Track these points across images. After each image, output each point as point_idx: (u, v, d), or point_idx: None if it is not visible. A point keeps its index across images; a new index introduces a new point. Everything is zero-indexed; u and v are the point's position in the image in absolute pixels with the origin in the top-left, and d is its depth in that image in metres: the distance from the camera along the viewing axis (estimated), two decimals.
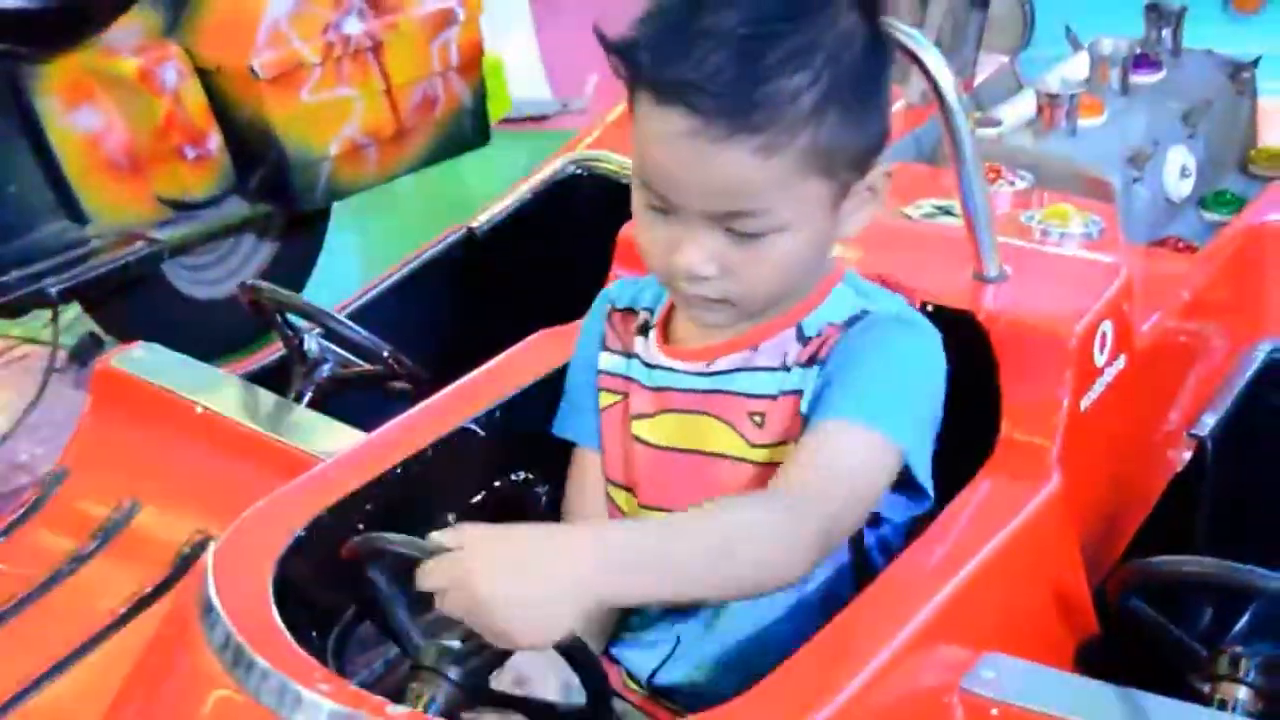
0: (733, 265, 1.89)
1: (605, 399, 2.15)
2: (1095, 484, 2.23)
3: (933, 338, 2.03)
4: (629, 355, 2.12)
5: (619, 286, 2.21)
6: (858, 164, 1.93)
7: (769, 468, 1.99)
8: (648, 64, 1.86)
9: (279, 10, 3.99)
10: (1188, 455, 2.49)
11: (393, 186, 4.38)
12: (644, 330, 2.12)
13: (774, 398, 2.01)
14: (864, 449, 1.91)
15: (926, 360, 2.01)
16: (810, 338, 2.01)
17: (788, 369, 2.01)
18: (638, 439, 2.10)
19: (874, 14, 1.94)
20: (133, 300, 4.02)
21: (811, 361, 1.99)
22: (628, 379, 2.12)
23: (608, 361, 2.15)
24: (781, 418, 2.01)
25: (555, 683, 1.88)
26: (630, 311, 2.15)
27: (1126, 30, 3.19)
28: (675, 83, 1.83)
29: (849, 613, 1.88)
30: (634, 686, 2.13)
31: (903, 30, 2.14)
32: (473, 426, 2.26)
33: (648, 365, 2.10)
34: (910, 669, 1.86)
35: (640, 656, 2.14)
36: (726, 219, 1.87)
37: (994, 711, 1.86)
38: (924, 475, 1.96)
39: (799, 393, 1.99)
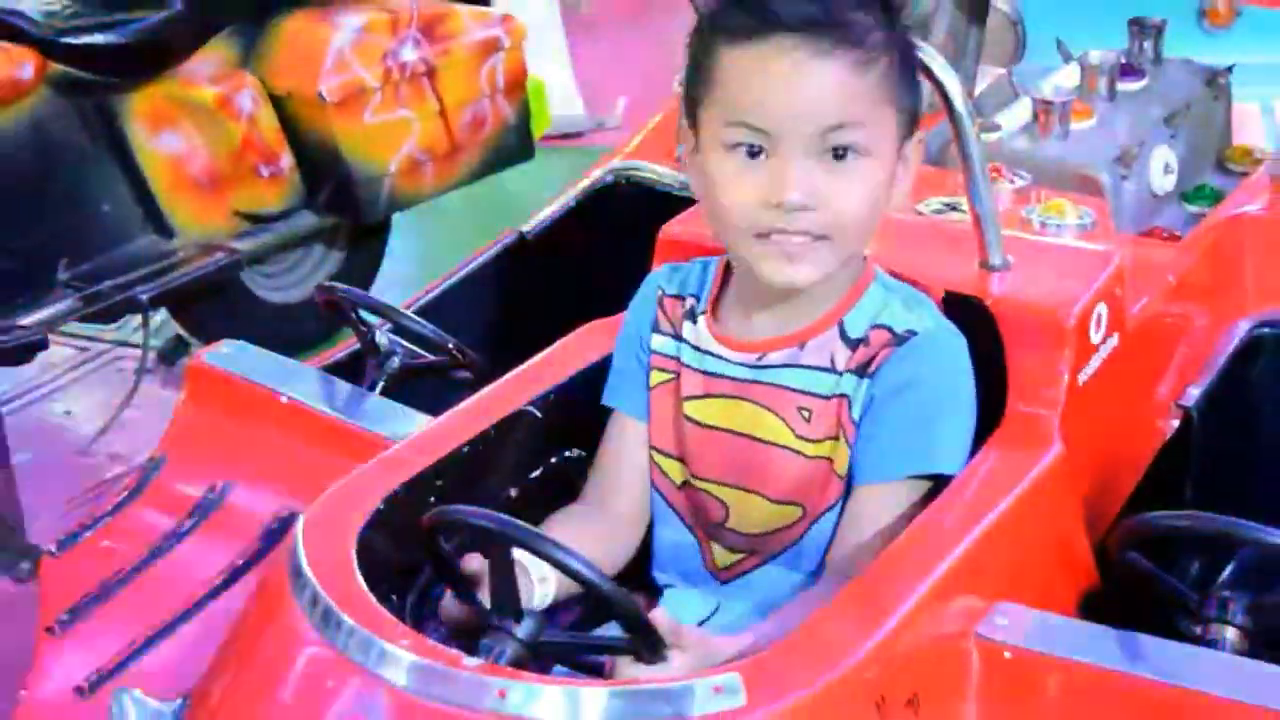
0: (828, 194, 1.89)
1: (656, 377, 2.15)
2: (1093, 450, 2.23)
3: (964, 350, 2.06)
4: (678, 339, 2.12)
5: (665, 273, 2.20)
6: (910, 122, 1.98)
7: (816, 461, 2.04)
8: (761, 10, 1.90)
9: (342, 40, 4.02)
10: (1176, 424, 2.50)
11: (448, 198, 4.38)
12: (692, 316, 2.12)
13: (824, 398, 2.03)
14: (906, 497, 2.00)
15: (966, 380, 2.06)
16: (856, 340, 2.02)
17: (838, 373, 2.02)
18: (688, 418, 2.11)
19: (893, 19, 1.98)
20: (215, 305, 4.04)
21: (862, 372, 2.01)
22: (679, 360, 2.12)
23: (659, 343, 2.15)
24: (829, 417, 2.02)
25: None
26: (678, 298, 2.15)
27: (1112, 43, 3.19)
28: (781, 12, 1.88)
29: (874, 569, 1.88)
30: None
31: (919, 44, 2.16)
32: (530, 409, 2.26)
33: (697, 349, 2.10)
34: (931, 617, 1.86)
35: (685, 613, 2.13)
36: (826, 136, 1.89)
37: (1007, 654, 1.88)
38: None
39: (847, 398, 2.01)
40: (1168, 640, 1.91)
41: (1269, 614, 2.02)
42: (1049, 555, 2.11)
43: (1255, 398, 2.64)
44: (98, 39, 3.77)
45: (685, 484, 2.15)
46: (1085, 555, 2.17)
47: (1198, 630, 2.02)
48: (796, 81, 1.88)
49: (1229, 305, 2.70)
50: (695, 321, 2.12)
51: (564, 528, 2.10)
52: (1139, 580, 2.10)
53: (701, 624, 2.12)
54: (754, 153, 1.90)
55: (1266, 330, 2.67)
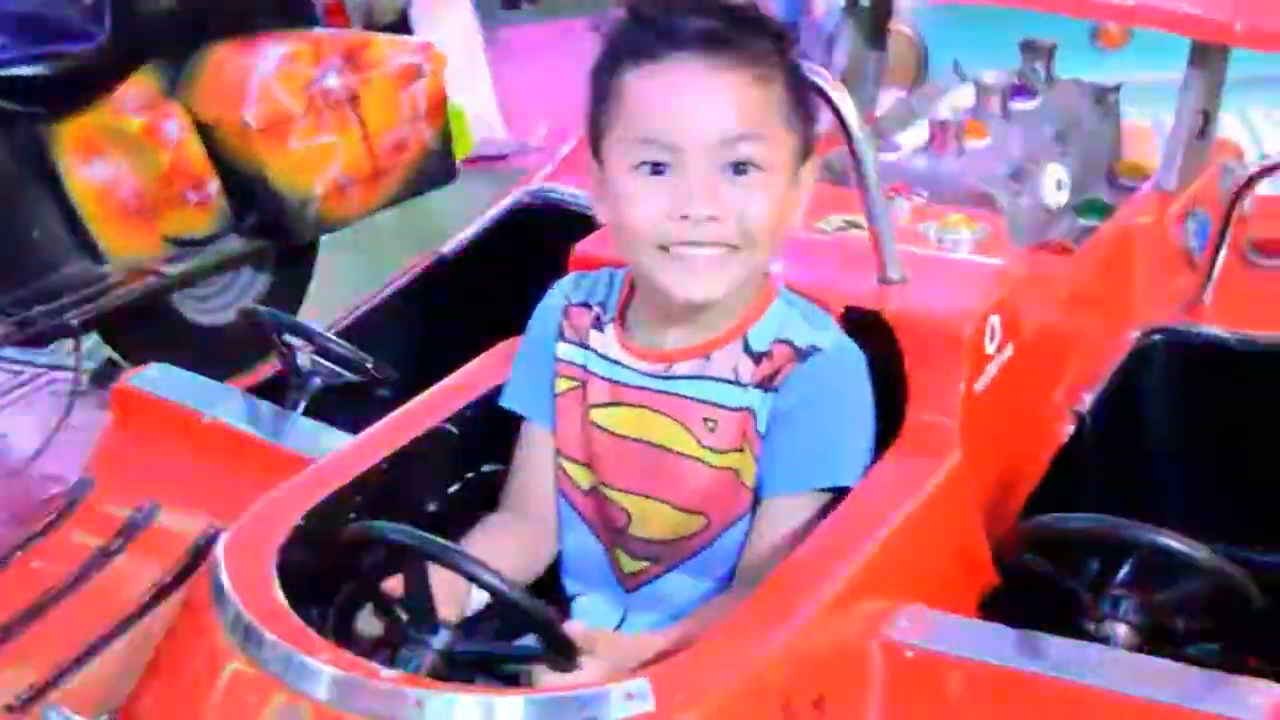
0: (733, 205, 1.89)
1: (562, 384, 2.14)
2: (991, 455, 2.24)
3: (863, 366, 2.08)
4: (584, 347, 2.12)
5: (571, 281, 2.20)
6: (805, 147, 2.00)
7: (722, 471, 2.04)
8: (661, 28, 1.92)
9: (266, 69, 4.02)
10: (1071, 429, 2.51)
11: (376, 219, 4.38)
12: (599, 324, 2.12)
13: (729, 409, 2.03)
14: (810, 507, 2.01)
15: (865, 398, 2.07)
16: (759, 353, 2.02)
17: (743, 385, 2.02)
18: (595, 425, 2.10)
19: (787, 48, 1.99)
20: (145, 328, 4.02)
21: (765, 386, 2.02)
22: (585, 369, 2.11)
23: (565, 351, 2.14)
24: (733, 428, 2.03)
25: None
26: (585, 306, 2.14)
27: (1005, 64, 3.21)
28: (684, 33, 1.90)
29: (779, 575, 1.89)
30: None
31: (811, 69, 2.16)
32: (447, 426, 2.26)
33: (604, 358, 2.10)
34: (836, 621, 1.88)
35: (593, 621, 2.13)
36: (728, 149, 1.89)
37: (909, 654, 1.89)
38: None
39: (751, 411, 2.02)
40: (1063, 638, 1.92)
41: (1158, 611, 2.06)
42: (949, 558, 2.13)
43: (1145, 403, 2.67)
44: (25, 71, 3.76)
45: (592, 490, 2.14)
46: (984, 557, 2.18)
47: (1091, 627, 2.05)
48: (698, 95, 1.89)
49: (1120, 314, 2.72)
50: (602, 330, 2.12)
51: (485, 538, 2.10)
52: (1036, 580, 2.12)
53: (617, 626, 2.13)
54: (658, 169, 1.90)
55: (1155, 338, 2.69)
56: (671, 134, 1.88)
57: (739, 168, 1.90)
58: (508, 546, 2.09)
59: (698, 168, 1.88)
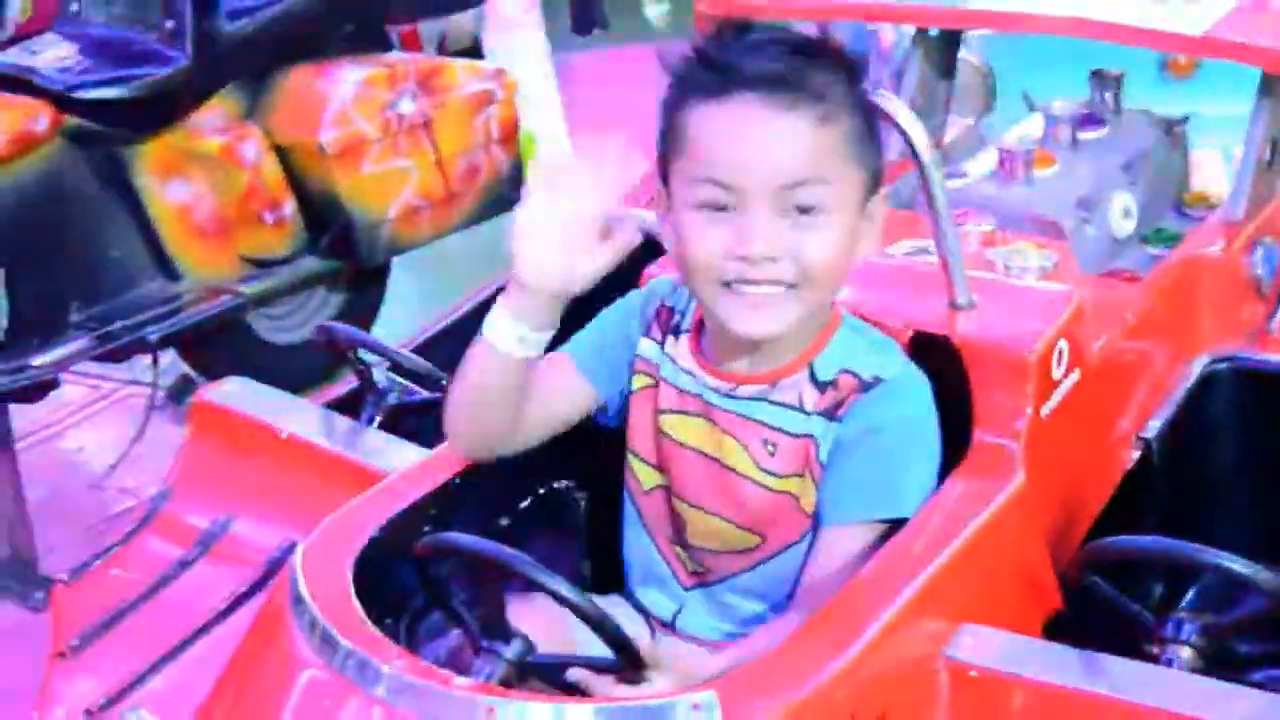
0: (793, 245, 1.88)
1: (639, 381, 2.15)
2: (1056, 479, 2.24)
3: (928, 394, 2.06)
4: (662, 349, 2.13)
5: (668, 285, 2.18)
6: (873, 181, 1.98)
7: (780, 495, 2.04)
8: (717, 67, 1.91)
9: (343, 94, 4.03)
10: (1136, 455, 2.50)
11: (446, 242, 4.39)
12: (676, 331, 2.12)
13: (792, 435, 2.03)
14: (869, 536, 2.00)
15: (929, 429, 2.06)
16: (825, 383, 2.02)
17: (806, 413, 2.02)
18: (665, 433, 2.11)
19: (856, 80, 1.99)
20: (221, 345, 4.05)
21: (830, 415, 2.01)
22: (659, 370, 2.12)
23: (646, 348, 2.15)
24: (794, 453, 2.03)
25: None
26: (671, 310, 2.14)
27: (1074, 93, 3.21)
28: (747, 72, 1.89)
29: (845, 594, 1.89)
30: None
31: (882, 96, 2.17)
32: None
33: (675, 365, 2.11)
34: (899, 639, 1.88)
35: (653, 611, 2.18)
36: (789, 193, 1.88)
37: (973, 673, 1.89)
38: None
39: (813, 438, 2.01)
40: (1126, 659, 1.93)
41: (1221, 634, 2.05)
42: (1013, 579, 2.12)
43: (1211, 430, 2.65)
44: (108, 93, 3.79)
45: (652, 490, 2.15)
46: (1049, 579, 2.18)
47: (1154, 650, 2.04)
48: (760, 138, 1.88)
49: (1186, 342, 2.70)
50: (678, 338, 2.13)
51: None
52: (1100, 603, 2.11)
53: (669, 623, 2.15)
54: (720, 207, 1.89)
55: (1221, 366, 2.68)
56: (734, 177, 1.88)
57: (802, 209, 1.89)
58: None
59: (759, 210, 1.87)
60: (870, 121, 1.98)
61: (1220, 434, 2.66)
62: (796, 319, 1.95)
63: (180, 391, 4.11)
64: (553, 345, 2.08)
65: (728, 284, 1.91)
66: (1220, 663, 2.03)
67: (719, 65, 1.91)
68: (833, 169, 1.90)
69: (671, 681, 1.81)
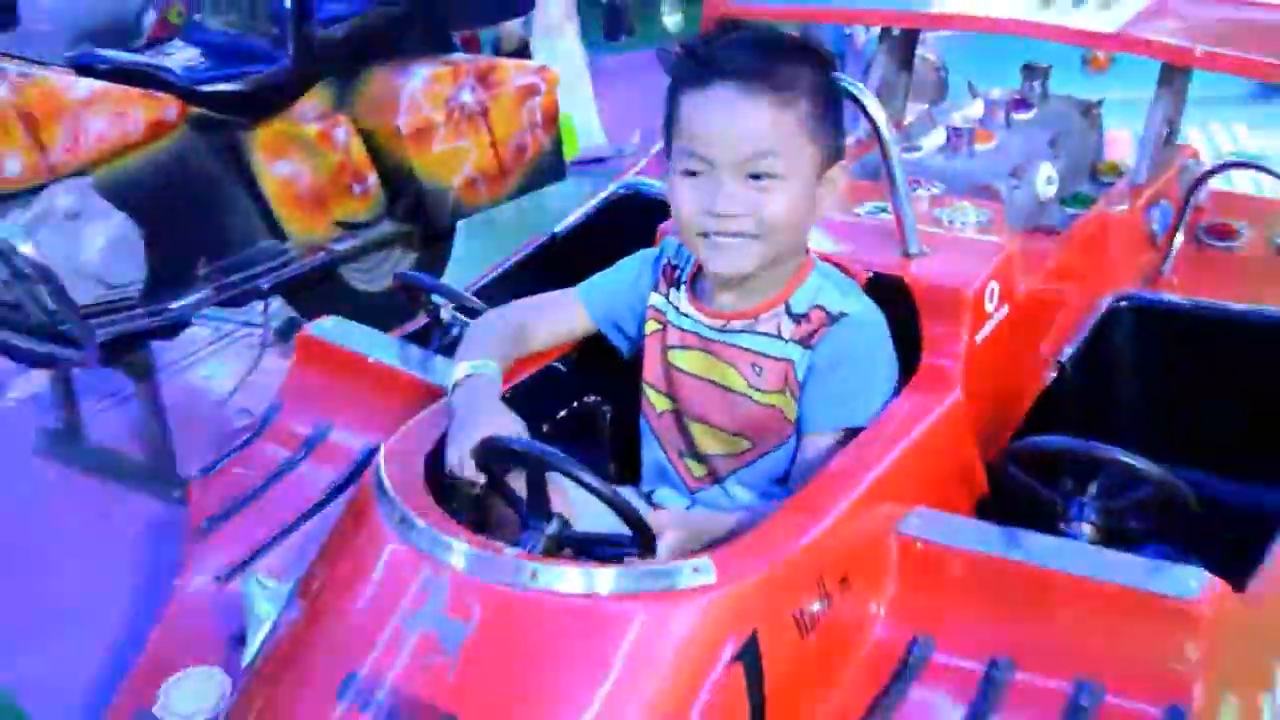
0: (753, 204, 1.93)
1: (650, 326, 2.19)
2: (987, 393, 2.26)
3: (884, 326, 2.10)
4: (667, 299, 2.17)
5: (673, 245, 2.21)
6: (830, 156, 1.99)
7: (767, 407, 2.08)
8: (701, 61, 1.95)
9: (415, 87, 4.02)
10: (1053, 374, 2.54)
11: (499, 209, 4.40)
12: (677, 283, 2.17)
13: (773, 358, 2.06)
14: (837, 441, 2.03)
15: (885, 354, 2.10)
16: (799, 315, 2.05)
17: (785, 340, 2.06)
18: (672, 365, 2.15)
19: (828, 70, 2.01)
20: (318, 292, 4.04)
21: (804, 343, 2.05)
22: (665, 316, 2.17)
23: (656, 299, 2.19)
24: (775, 373, 2.07)
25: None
26: (673, 267, 2.18)
27: (1009, 83, 3.22)
28: (722, 65, 1.92)
29: (816, 481, 1.94)
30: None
31: (851, 83, 2.19)
32: (557, 365, 2.33)
33: (678, 310, 2.15)
34: (859, 517, 1.92)
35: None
36: (750, 164, 1.92)
37: (918, 545, 1.94)
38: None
39: (791, 362, 2.05)
40: (1040, 534, 1.96)
41: (1116, 515, 2.08)
42: (951, 472, 2.16)
43: (1114, 354, 2.68)
44: (225, 88, 3.79)
45: (664, 413, 2.19)
46: (980, 472, 2.22)
47: (1063, 528, 2.08)
48: (726, 119, 1.92)
49: (1095, 283, 2.73)
50: (679, 288, 2.17)
51: (487, 334, 2.21)
52: (1021, 491, 2.15)
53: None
54: (697, 174, 1.95)
55: (1123, 303, 2.70)
56: (707, 150, 1.93)
57: (757, 176, 1.93)
58: (507, 335, 2.21)
59: (724, 176, 1.93)
60: (828, 106, 1.98)
61: (1121, 358, 2.69)
62: (759, 261, 1.99)
63: (286, 330, 4.16)
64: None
65: (705, 234, 1.96)
66: (1115, 538, 2.06)
67: (701, 60, 1.95)
68: (786, 145, 1.93)
69: (681, 538, 1.85)
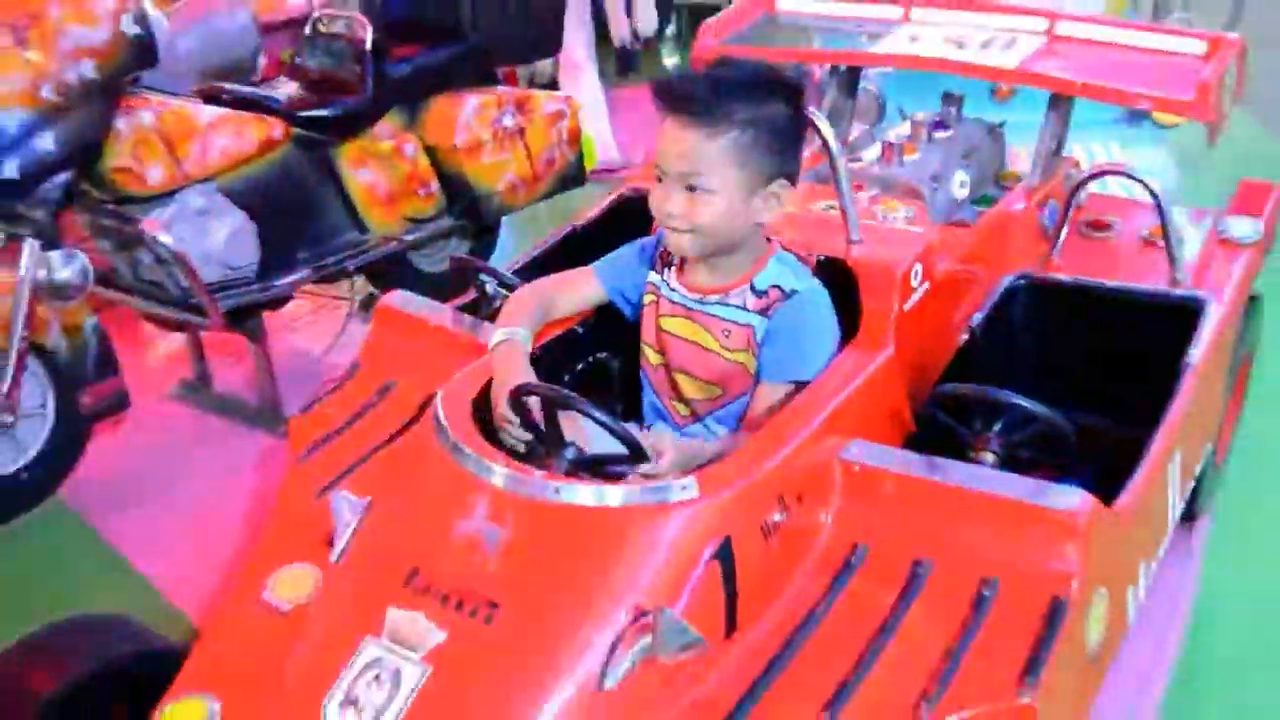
0: (687, 209, 1.93)
1: (648, 298, 2.18)
2: (913, 351, 2.24)
3: (827, 302, 2.08)
4: (662, 277, 2.15)
5: (664, 234, 2.17)
6: (766, 176, 1.95)
7: (734, 363, 2.07)
8: (668, 94, 1.93)
9: (468, 113, 4.01)
10: (966, 337, 2.51)
11: (532, 209, 4.37)
12: (668, 264, 2.15)
13: (739, 325, 2.05)
14: (785, 391, 2.02)
15: (828, 324, 2.08)
16: (761, 291, 2.04)
17: (748, 311, 2.05)
18: (663, 329, 2.14)
19: (798, 103, 1.98)
20: (392, 273, 4.01)
21: (763, 313, 2.04)
22: (659, 291, 2.15)
23: (653, 277, 2.17)
24: (740, 337, 2.06)
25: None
26: (667, 251, 2.16)
27: (932, 108, 3.19)
28: (677, 98, 1.91)
29: (778, 419, 1.93)
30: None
31: (811, 112, 2.16)
32: (577, 328, 2.31)
33: (668, 285, 2.14)
34: (811, 448, 1.91)
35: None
36: (685, 178, 1.92)
37: (856, 469, 1.92)
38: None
39: (753, 328, 2.05)
40: (953, 461, 1.95)
41: (1013, 447, 2.08)
42: (884, 413, 2.14)
43: (1013, 321, 2.65)
44: (319, 113, 3.77)
45: (657, 367, 2.18)
46: (907, 413, 2.20)
47: (971, 456, 2.07)
48: (671, 145, 1.92)
49: (998, 266, 2.70)
50: (669, 269, 2.15)
51: (520, 304, 2.19)
52: (939, 428, 2.15)
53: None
54: (658, 177, 1.96)
55: (1020, 281, 2.67)
56: (662, 165, 1.94)
57: (693, 188, 1.93)
58: (535, 305, 2.19)
59: (671, 186, 1.94)
60: (765, 135, 1.93)
61: (1019, 324, 2.66)
62: (699, 249, 2.01)
63: (366, 303, 4.14)
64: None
65: (664, 225, 1.99)
66: (1012, 466, 2.05)
67: (662, 95, 1.93)
68: (714, 167, 1.91)
69: (675, 459, 1.84)
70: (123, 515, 3.30)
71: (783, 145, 1.96)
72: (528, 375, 1.97)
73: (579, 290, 2.27)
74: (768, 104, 1.93)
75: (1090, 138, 5.35)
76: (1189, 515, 2.83)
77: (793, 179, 2.00)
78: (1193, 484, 2.53)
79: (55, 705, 1.91)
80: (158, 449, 3.63)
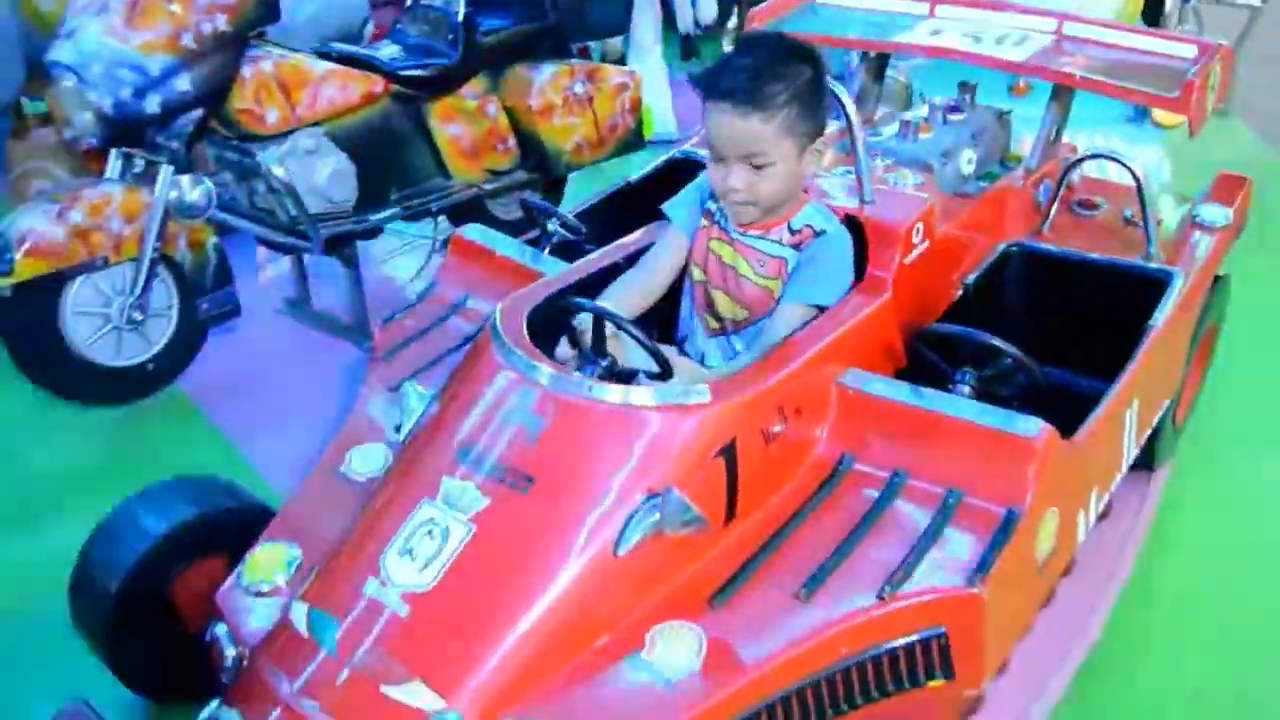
0: (751, 184, 1.97)
1: (705, 223, 2.20)
2: (909, 298, 2.26)
3: (849, 242, 2.11)
4: (718, 207, 2.17)
5: None
6: (809, 137, 2.00)
7: (764, 288, 2.10)
8: (712, 85, 1.95)
9: (543, 79, 4.02)
10: (960, 293, 2.53)
11: (596, 167, 4.37)
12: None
13: (773, 256, 2.09)
14: (804, 314, 2.05)
15: (848, 261, 2.12)
16: (795, 230, 2.08)
17: (782, 245, 2.08)
18: (710, 251, 2.17)
19: (817, 68, 2.01)
20: (470, 217, 3.93)
21: (796, 248, 2.08)
22: (714, 218, 2.18)
23: (712, 206, 2.19)
24: (773, 266, 2.09)
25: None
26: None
27: (949, 94, 3.18)
28: (724, 91, 1.93)
29: (786, 343, 1.98)
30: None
31: (833, 84, 2.19)
32: (620, 261, 2.35)
33: (722, 216, 2.16)
34: (812, 371, 1.95)
35: (691, 351, 2.22)
36: (748, 158, 1.94)
37: (851, 393, 1.96)
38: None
39: (785, 260, 2.08)
40: (935, 390, 1.99)
41: (988, 382, 2.11)
42: (879, 348, 2.17)
43: (1004, 282, 2.66)
44: (415, 73, 3.80)
45: (698, 283, 2.21)
46: (899, 350, 2.22)
47: (951, 388, 2.10)
48: (728, 129, 1.94)
49: (995, 234, 2.70)
50: (719, 204, 2.17)
51: (627, 287, 2.17)
52: (926, 364, 2.17)
53: (698, 361, 2.20)
54: (717, 159, 1.98)
55: (1013, 248, 2.68)
56: (719, 146, 1.97)
57: (754, 164, 1.96)
58: (636, 289, 2.18)
59: (732, 165, 1.97)
60: (807, 104, 1.96)
61: (1008, 285, 2.67)
62: (759, 216, 2.04)
63: (447, 241, 4.17)
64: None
65: (729, 200, 2.02)
66: (987, 398, 2.08)
67: (706, 85, 1.96)
68: (773, 143, 1.95)
69: (691, 377, 1.90)
70: (230, 406, 3.41)
71: (815, 106, 2.01)
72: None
73: (673, 255, 2.22)
74: (798, 74, 1.97)
75: (1097, 133, 5.28)
76: (1149, 465, 2.85)
77: (822, 130, 2.05)
78: (1149, 432, 2.54)
79: (162, 543, 2.03)
80: (262, 354, 3.73)
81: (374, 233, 3.80)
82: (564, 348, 2.00)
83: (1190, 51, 2.85)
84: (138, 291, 3.26)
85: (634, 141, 4.38)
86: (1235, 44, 5.43)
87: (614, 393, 1.76)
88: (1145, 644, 2.42)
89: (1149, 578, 2.62)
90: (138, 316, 3.30)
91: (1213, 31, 5.82)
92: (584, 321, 1.96)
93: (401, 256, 4.40)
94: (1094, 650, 2.36)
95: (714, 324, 2.22)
